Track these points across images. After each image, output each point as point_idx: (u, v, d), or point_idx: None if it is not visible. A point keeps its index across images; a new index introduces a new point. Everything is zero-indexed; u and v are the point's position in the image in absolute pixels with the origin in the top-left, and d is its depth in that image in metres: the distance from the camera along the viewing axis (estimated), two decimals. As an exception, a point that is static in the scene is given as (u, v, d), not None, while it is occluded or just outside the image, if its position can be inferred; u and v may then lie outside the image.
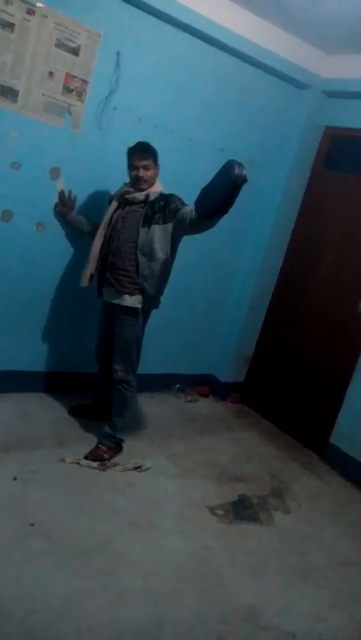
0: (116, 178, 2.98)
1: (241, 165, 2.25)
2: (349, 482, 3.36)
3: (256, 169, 3.72)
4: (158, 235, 2.72)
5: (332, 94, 3.73)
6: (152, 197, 2.74)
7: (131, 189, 2.78)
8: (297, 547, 2.65)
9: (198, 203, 2.47)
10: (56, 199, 3.09)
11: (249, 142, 3.68)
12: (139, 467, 2.93)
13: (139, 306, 2.81)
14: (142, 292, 2.78)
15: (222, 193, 2.31)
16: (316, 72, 3.66)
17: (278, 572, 2.43)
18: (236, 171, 2.24)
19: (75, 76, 2.91)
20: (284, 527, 2.78)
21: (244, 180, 2.25)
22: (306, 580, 2.42)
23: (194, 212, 2.51)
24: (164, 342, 3.78)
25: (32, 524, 2.30)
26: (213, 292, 4.00)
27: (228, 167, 2.28)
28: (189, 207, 2.62)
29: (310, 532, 2.80)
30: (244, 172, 2.25)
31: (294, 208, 3.98)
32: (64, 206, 3.09)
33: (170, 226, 2.72)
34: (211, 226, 2.55)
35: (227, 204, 2.33)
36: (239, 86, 3.48)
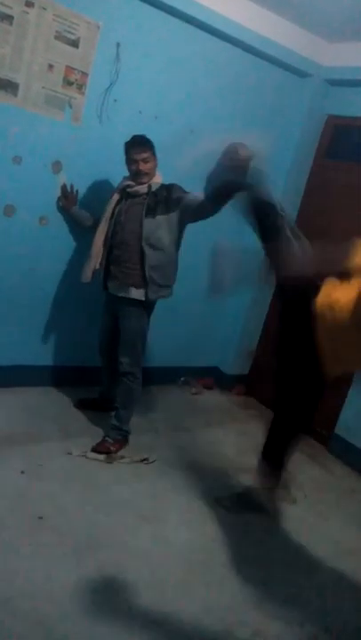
0: (117, 170, 2.96)
1: (243, 145, 2.27)
2: (355, 472, 3.37)
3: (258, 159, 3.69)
4: (164, 224, 2.73)
5: (335, 83, 3.70)
6: (154, 188, 2.74)
7: (132, 183, 2.77)
8: (303, 537, 2.66)
9: (206, 185, 2.48)
10: (58, 193, 3.08)
11: (251, 132, 3.65)
12: (145, 459, 2.94)
13: (144, 298, 2.81)
14: (150, 282, 2.77)
15: (228, 171, 2.32)
16: (317, 60, 3.63)
17: (285, 562, 2.45)
18: (240, 149, 2.26)
19: (75, 69, 2.89)
20: (291, 517, 2.79)
21: (250, 157, 2.28)
22: (312, 570, 2.44)
23: (203, 198, 2.54)
24: (168, 335, 3.78)
25: (40, 517, 2.32)
26: (217, 283, 3.99)
27: (232, 149, 2.29)
28: (193, 194, 2.65)
29: (316, 522, 2.81)
30: (249, 152, 2.27)
31: (297, 198, 3.96)
32: (67, 200, 3.08)
33: (174, 215, 2.73)
34: (218, 209, 2.59)
35: (234, 183, 2.34)
36: (240, 76, 3.46)
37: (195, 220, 2.76)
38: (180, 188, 2.78)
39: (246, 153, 2.26)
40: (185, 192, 2.75)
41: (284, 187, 3.85)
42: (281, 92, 3.67)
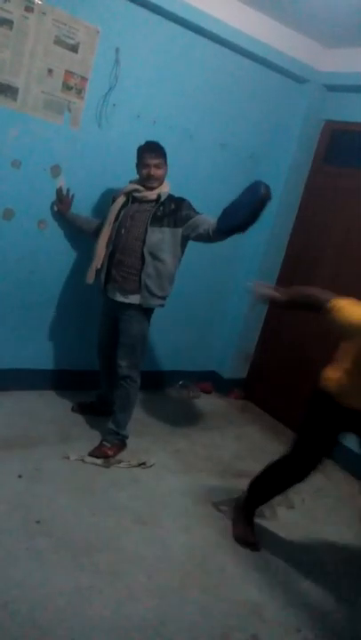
0: (116, 174, 2.98)
1: (267, 186, 2.41)
2: (353, 476, 3.37)
3: (256, 164, 3.72)
4: (169, 238, 2.74)
5: (332, 88, 3.72)
6: (163, 198, 2.76)
7: (140, 187, 2.78)
8: (301, 541, 2.66)
9: (222, 220, 2.57)
10: (54, 197, 3.09)
11: (249, 137, 3.67)
12: (143, 463, 2.94)
13: (138, 302, 2.81)
14: (144, 289, 2.78)
15: (248, 212, 2.44)
16: (315, 66, 3.65)
17: (283, 566, 2.44)
18: (263, 190, 2.39)
19: (74, 73, 2.91)
20: (289, 522, 2.79)
21: (269, 198, 2.41)
22: (310, 575, 2.43)
23: (214, 228, 2.61)
24: (167, 339, 3.79)
25: (37, 522, 2.31)
26: (215, 288, 4.00)
27: (256, 186, 2.43)
28: (202, 217, 2.72)
29: (314, 526, 2.81)
30: (270, 193, 2.41)
31: (294, 203, 3.98)
32: (62, 204, 3.08)
33: (180, 231, 2.75)
34: (225, 239, 2.69)
35: (250, 222, 2.48)
36: (239, 81, 3.47)
37: (199, 241, 2.79)
38: (191, 205, 2.79)
39: (268, 192, 2.40)
40: (195, 212, 2.77)
41: (281, 191, 3.86)
42: (279, 98, 3.69)
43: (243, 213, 2.45)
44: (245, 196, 2.47)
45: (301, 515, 2.89)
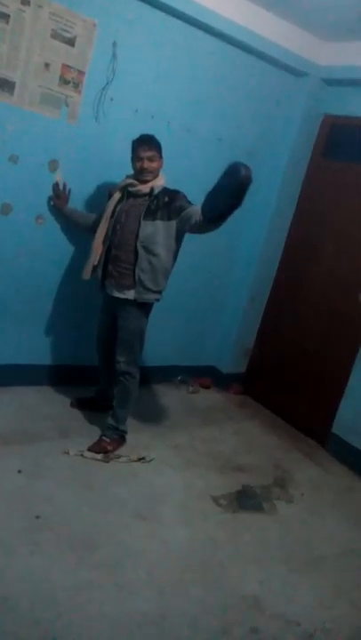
0: (113, 169, 2.96)
1: (246, 167, 2.26)
2: (351, 470, 3.38)
3: (254, 158, 3.70)
4: (162, 231, 2.71)
5: (331, 82, 3.70)
6: (156, 191, 2.73)
7: (134, 181, 2.77)
8: (300, 535, 2.66)
9: (205, 207, 2.46)
10: (51, 192, 3.08)
11: (247, 132, 3.66)
12: (142, 458, 2.94)
13: (133, 298, 2.80)
14: (138, 284, 2.76)
15: (230, 196, 2.31)
16: (313, 59, 3.63)
17: (282, 560, 2.45)
18: (243, 172, 2.24)
19: (71, 67, 2.89)
20: (288, 516, 2.79)
21: (250, 180, 2.26)
22: (309, 569, 2.44)
23: (201, 217, 2.51)
24: (165, 334, 3.78)
25: (37, 517, 2.31)
26: (214, 283, 3.99)
27: (234, 169, 2.28)
28: (195, 208, 2.60)
29: (313, 520, 2.82)
30: (250, 173, 2.26)
31: (293, 197, 3.97)
32: (58, 199, 3.07)
33: (173, 223, 2.71)
34: (217, 228, 2.55)
35: (234, 206, 2.35)
36: (237, 75, 3.46)
37: (195, 233, 2.71)
38: (185, 197, 2.74)
39: (248, 173, 2.25)
40: (189, 203, 2.70)
41: (280, 186, 3.86)
42: (277, 91, 3.67)
43: (226, 199, 2.34)
44: (225, 180, 2.33)
45: (300, 508, 2.89)
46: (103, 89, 3.01)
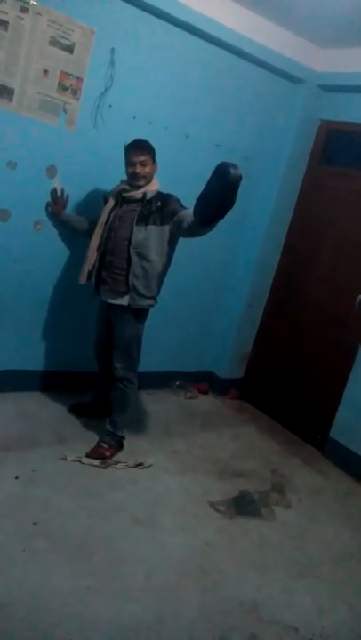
0: (111, 175, 2.97)
1: (234, 166, 2.21)
2: (350, 476, 3.38)
3: (252, 164, 3.72)
4: (155, 236, 2.70)
5: (328, 88, 3.73)
6: (149, 196, 2.72)
7: (128, 187, 2.77)
8: (298, 541, 2.66)
9: (197, 210, 2.41)
10: (49, 198, 3.08)
11: (245, 138, 3.67)
12: (140, 464, 2.94)
13: (127, 304, 2.80)
14: (132, 290, 2.76)
15: (221, 197, 2.25)
16: (311, 66, 3.65)
17: (280, 566, 2.45)
18: (232, 172, 2.18)
19: (69, 74, 2.90)
20: (286, 522, 2.79)
21: (240, 179, 2.21)
22: (307, 574, 2.44)
23: (194, 220, 2.46)
24: (163, 340, 3.78)
25: (35, 523, 2.31)
26: (211, 288, 4.00)
27: (223, 170, 2.22)
28: (187, 211, 2.56)
29: (311, 526, 2.82)
30: (239, 172, 2.20)
31: (290, 203, 3.98)
32: (56, 205, 3.07)
33: (167, 228, 2.69)
34: (210, 230, 2.51)
35: (226, 207, 2.28)
36: (234, 82, 3.48)
37: (189, 237, 2.68)
38: (177, 200, 2.72)
39: (237, 173, 2.19)
40: (181, 206, 2.68)
41: (278, 192, 3.87)
42: (274, 98, 3.69)
43: (217, 202, 2.27)
44: (215, 182, 2.27)
45: (299, 514, 2.89)
46: (101, 95, 3.02)
